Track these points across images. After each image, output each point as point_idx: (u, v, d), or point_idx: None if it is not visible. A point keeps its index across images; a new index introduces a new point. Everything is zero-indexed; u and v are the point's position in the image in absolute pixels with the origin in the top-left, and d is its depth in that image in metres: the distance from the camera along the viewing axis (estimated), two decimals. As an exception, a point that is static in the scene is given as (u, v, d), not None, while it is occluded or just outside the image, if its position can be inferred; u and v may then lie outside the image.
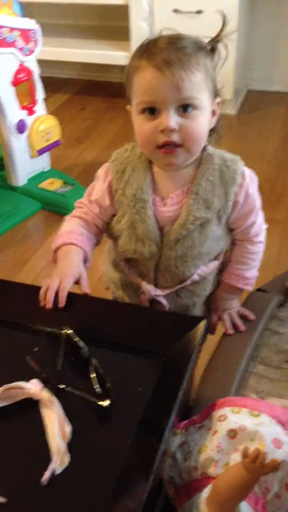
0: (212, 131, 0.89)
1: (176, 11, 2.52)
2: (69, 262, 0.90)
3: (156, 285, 0.97)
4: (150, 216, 0.89)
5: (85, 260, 0.93)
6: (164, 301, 0.97)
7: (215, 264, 0.98)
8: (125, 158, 0.92)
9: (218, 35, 0.87)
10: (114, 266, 1.03)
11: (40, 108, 2.10)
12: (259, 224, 0.96)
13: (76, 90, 3.16)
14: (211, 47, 0.86)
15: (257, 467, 0.58)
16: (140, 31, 2.60)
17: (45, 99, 2.13)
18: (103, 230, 0.99)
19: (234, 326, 1.00)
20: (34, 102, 2.06)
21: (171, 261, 0.92)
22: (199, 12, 2.49)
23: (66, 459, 0.64)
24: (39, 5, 2.99)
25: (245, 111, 2.82)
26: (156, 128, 0.81)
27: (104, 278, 1.10)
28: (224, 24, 0.87)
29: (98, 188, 0.95)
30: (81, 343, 0.78)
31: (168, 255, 0.91)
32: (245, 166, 0.91)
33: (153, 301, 0.98)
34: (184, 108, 0.80)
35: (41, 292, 0.87)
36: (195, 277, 0.95)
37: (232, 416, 0.72)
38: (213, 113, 0.86)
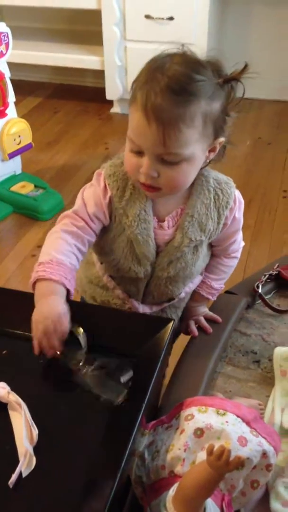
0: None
1: (148, 17, 2.55)
2: (53, 312, 0.77)
3: (142, 301, 0.97)
4: (152, 237, 0.87)
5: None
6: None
7: (199, 279, 1.00)
8: (124, 173, 0.86)
9: (236, 76, 0.78)
10: (94, 281, 1.00)
11: (11, 111, 2.09)
12: (238, 242, 0.98)
13: (48, 94, 3.15)
14: (230, 85, 0.79)
15: (222, 464, 0.59)
16: (112, 35, 2.61)
17: (17, 103, 2.12)
18: (91, 245, 0.91)
19: (202, 329, 1.01)
20: (5, 105, 2.05)
21: (161, 281, 0.92)
22: (170, 18, 2.51)
23: (33, 462, 0.65)
24: (10, 8, 2.98)
25: (216, 117, 2.86)
26: (138, 166, 0.78)
27: (79, 289, 1.05)
28: (245, 67, 0.78)
29: (95, 201, 0.87)
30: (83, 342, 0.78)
31: (159, 275, 0.91)
32: (236, 190, 0.91)
33: None
34: (168, 158, 0.76)
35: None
36: (182, 294, 0.97)
37: (199, 415, 0.73)
38: (212, 150, 0.82)
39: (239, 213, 0.92)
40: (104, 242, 0.91)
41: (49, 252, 0.83)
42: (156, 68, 0.75)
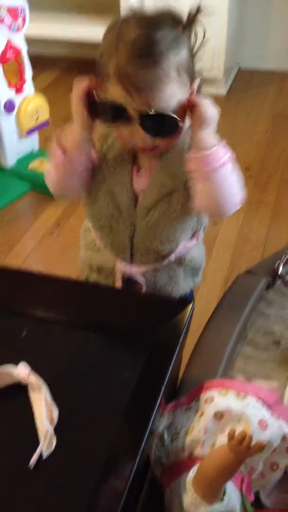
0: None
1: (166, -13, 2.48)
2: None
3: (132, 262, 0.95)
4: (127, 181, 0.89)
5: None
6: (140, 279, 0.96)
7: (193, 244, 0.97)
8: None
9: (193, 19, 0.80)
10: (90, 245, 1.01)
11: (29, 87, 2.07)
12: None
13: (65, 69, 3.11)
14: (190, 29, 0.80)
15: (243, 449, 0.59)
16: (130, 7, 2.55)
17: (33, 78, 2.10)
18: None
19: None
20: (22, 80, 2.02)
21: (144, 233, 0.91)
22: (189, -12, 2.44)
23: (54, 442, 0.65)
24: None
25: (235, 90, 2.79)
26: (133, 134, 0.81)
27: (79, 264, 1.07)
28: (198, 10, 0.80)
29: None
30: None
31: (141, 224, 0.91)
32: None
33: (129, 282, 0.97)
34: None
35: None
36: (172, 257, 0.95)
37: (219, 398, 0.72)
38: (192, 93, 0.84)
39: None
40: (91, 190, 0.94)
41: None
42: (116, 37, 0.77)
